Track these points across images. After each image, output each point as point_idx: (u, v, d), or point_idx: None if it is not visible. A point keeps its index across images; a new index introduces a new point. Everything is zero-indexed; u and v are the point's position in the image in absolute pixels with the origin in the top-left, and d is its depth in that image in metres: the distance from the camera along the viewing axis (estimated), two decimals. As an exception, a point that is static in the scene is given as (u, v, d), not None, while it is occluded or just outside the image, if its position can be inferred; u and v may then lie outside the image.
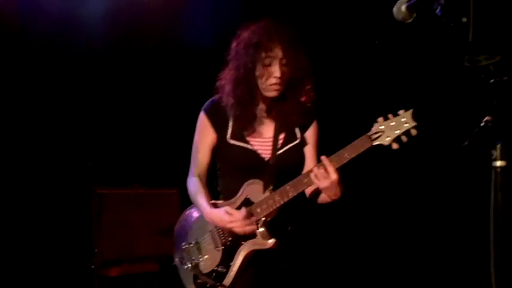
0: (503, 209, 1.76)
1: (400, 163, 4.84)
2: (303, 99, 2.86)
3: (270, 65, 2.74)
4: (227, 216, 2.72)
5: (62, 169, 5.31)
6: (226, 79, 2.86)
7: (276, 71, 2.72)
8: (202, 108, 2.98)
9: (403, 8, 2.01)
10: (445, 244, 4.80)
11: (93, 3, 5.05)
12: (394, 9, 2.03)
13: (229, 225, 2.73)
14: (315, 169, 2.64)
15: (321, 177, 2.61)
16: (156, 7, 5.32)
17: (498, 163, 1.78)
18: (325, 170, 2.60)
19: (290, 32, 2.79)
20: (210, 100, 2.97)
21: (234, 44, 2.88)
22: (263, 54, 2.73)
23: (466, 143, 1.82)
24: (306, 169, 2.88)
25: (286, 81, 2.78)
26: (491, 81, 1.76)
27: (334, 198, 2.73)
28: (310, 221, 3.04)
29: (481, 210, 1.93)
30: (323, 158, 2.63)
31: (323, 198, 2.85)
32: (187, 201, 5.35)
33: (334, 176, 2.60)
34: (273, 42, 2.73)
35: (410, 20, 2.03)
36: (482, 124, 1.78)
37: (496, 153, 1.78)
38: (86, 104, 5.43)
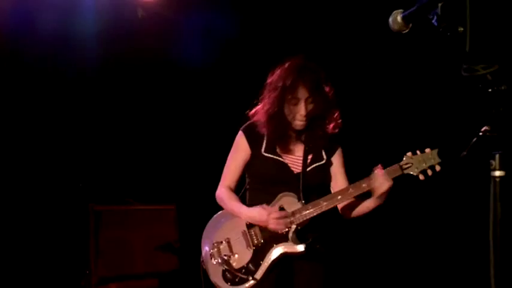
0: (502, 219, 1.75)
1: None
2: (330, 126, 3.20)
3: (296, 104, 3.08)
4: (264, 211, 3.05)
5: (58, 186, 5.28)
6: (261, 112, 3.21)
7: (301, 109, 3.08)
8: (240, 128, 3.30)
9: (399, 18, 2.00)
10: (444, 253, 4.80)
11: (86, 23, 5.03)
12: (390, 20, 2.02)
13: (265, 218, 3.05)
14: (378, 171, 3.00)
15: (384, 180, 2.96)
16: (150, 27, 5.33)
17: (497, 173, 1.77)
18: (384, 175, 2.97)
19: (315, 72, 3.11)
20: (248, 122, 3.30)
21: (268, 80, 3.22)
22: (289, 96, 3.08)
23: (465, 153, 1.81)
24: (334, 185, 3.26)
25: (312, 115, 3.11)
26: (489, 90, 1.75)
27: (380, 203, 3.09)
28: (334, 232, 3.30)
29: (480, 220, 1.91)
30: (379, 167, 3.00)
31: (360, 209, 3.19)
32: (184, 217, 5.36)
33: (391, 181, 2.98)
34: (297, 84, 3.06)
35: (406, 31, 2.02)
36: (480, 134, 1.77)
37: (495, 163, 1.77)
38: (83, 121, 5.41)
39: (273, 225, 3.04)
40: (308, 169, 3.18)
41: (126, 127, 5.61)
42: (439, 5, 1.83)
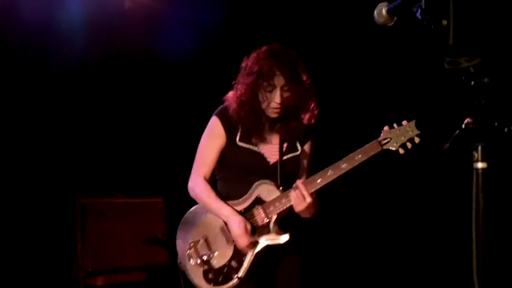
0: (484, 210, 1.77)
1: (384, 166, 4.88)
2: (306, 117, 3.06)
3: (271, 91, 2.93)
4: (243, 226, 2.93)
5: (44, 179, 5.25)
6: (233, 98, 3.06)
7: (275, 97, 2.92)
8: (214, 113, 3.13)
9: (384, 11, 2.02)
10: (428, 245, 4.84)
11: (72, 13, 5.00)
12: (375, 13, 2.05)
13: (235, 237, 2.94)
14: (293, 192, 2.90)
15: (298, 201, 2.87)
16: (137, 19, 5.30)
17: (479, 165, 1.79)
18: (301, 194, 2.86)
19: (292, 60, 2.98)
20: (221, 106, 3.13)
21: (243, 65, 3.07)
22: (264, 83, 2.93)
23: (448, 145, 1.83)
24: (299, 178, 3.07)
25: (287, 104, 2.97)
26: (472, 83, 1.77)
27: (308, 216, 3.01)
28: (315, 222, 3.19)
29: (463, 211, 1.94)
30: (298, 183, 2.89)
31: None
32: (172, 210, 5.36)
33: (308, 199, 2.86)
34: (273, 71, 2.91)
35: (391, 24, 2.04)
36: (463, 126, 1.79)
37: (477, 155, 1.79)
38: (68, 114, 5.39)
39: (238, 243, 2.96)
40: (284, 158, 3.07)
41: (113, 120, 5.59)
42: (423, -2, 1.85)
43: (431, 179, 4.67)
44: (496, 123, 1.76)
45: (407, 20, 1.95)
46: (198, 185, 3.10)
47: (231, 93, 3.09)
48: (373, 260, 5.21)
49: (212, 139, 3.11)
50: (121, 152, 5.64)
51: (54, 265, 5.12)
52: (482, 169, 1.78)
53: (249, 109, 2.98)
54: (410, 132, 2.83)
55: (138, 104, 5.67)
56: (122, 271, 5.13)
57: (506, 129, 1.75)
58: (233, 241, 2.98)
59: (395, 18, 2.03)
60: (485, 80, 1.75)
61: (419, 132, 2.83)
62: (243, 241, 2.93)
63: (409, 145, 2.84)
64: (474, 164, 1.79)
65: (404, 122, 2.85)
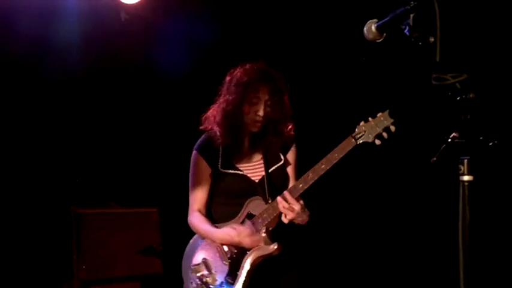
0: (471, 222, 1.81)
1: (371, 180, 4.93)
2: (283, 136, 3.18)
3: (256, 104, 3.07)
4: (234, 231, 3.03)
5: (39, 189, 5.26)
6: (217, 110, 3.18)
7: (260, 110, 3.07)
8: (194, 148, 3.26)
9: (373, 28, 2.07)
10: (416, 257, 4.85)
11: (68, 26, 5.01)
12: (365, 29, 2.10)
13: (237, 239, 3.02)
14: (280, 202, 2.95)
15: (287, 210, 2.93)
16: (134, 32, 5.32)
17: (465, 178, 1.83)
18: (289, 203, 2.93)
19: (278, 78, 3.12)
20: (199, 140, 3.27)
21: (227, 79, 3.20)
22: (251, 94, 3.07)
23: (435, 158, 1.87)
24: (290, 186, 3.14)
25: (268, 119, 3.10)
26: (458, 98, 1.82)
27: (301, 223, 3.04)
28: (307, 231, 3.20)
29: (450, 224, 1.97)
30: (284, 193, 2.96)
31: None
32: (166, 220, 5.37)
33: (297, 207, 2.92)
34: (261, 84, 3.06)
35: (380, 40, 2.09)
36: (449, 140, 1.83)
37: (463, 168, 1.83)
38: (64, 124, 5.39)
39: (247, 244, 3.02)
40: (270, 171, 3.15)
41: (107, 130, 5.60)
42: (411, 16, 1.90)
43: (419, 192, 4.69)
44: (481, 138, 1.81)
45: (395, 36, 1.99)
46: (192, 218, 3.24)
47: (212, 110, 3.21)
48: (360, 275, 5.21)
49: (198, 174, 3.24)
50: (116, 163, 5.65)
51: (49, 275, 5.12)
52: (468, 182, 1.83)
53: (231, 122, 3.10)
54: (385, 122, 2.82)
55: (133, 115, 5.68)
56: (116, 281, 5.13)
57: (490, 143, 1.80)
58: (228, 259, 3.06)
59: (384, 34, 2.08)
60: (471, 95, 1.80)
61: (393, 120, 2.82)
62: (247, 241, 3.01)
63: (385, 135, 2.83)
64: (460, 177, 1.84)
65: (378, 114, 2.86)
